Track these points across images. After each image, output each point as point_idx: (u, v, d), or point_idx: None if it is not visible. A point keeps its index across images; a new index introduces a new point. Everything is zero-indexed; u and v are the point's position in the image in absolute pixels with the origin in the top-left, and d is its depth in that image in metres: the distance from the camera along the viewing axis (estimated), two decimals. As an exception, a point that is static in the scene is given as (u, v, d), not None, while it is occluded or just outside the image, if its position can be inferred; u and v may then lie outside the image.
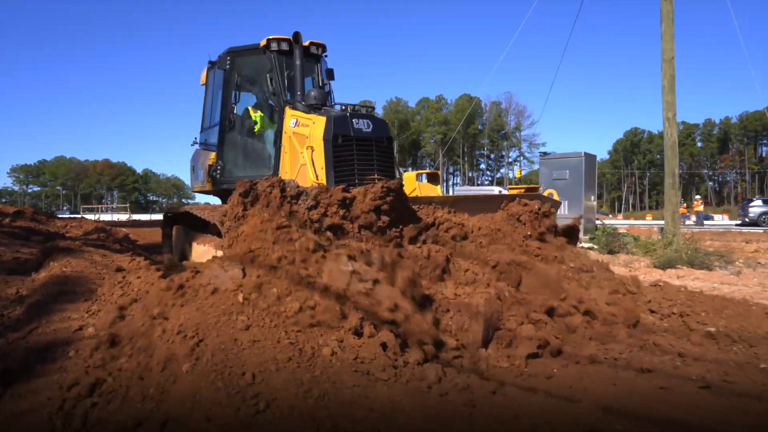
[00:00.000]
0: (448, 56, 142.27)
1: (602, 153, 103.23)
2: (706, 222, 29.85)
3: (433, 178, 7.26)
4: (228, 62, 6.54)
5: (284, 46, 6.25)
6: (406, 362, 2.56)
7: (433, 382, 2.47)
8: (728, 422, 2.28)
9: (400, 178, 6.74)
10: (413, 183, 7.00)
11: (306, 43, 6.51)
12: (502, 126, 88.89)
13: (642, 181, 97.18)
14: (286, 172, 5.86)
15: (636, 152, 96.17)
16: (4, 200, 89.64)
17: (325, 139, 5.49)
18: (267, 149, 6.48)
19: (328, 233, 3.72)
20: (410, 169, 71.08)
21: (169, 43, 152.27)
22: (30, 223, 8.79)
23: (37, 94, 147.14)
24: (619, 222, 31.40)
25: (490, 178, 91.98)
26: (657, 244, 10.17)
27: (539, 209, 4.88)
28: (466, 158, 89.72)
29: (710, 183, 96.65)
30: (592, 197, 12.26)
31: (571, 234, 5.41)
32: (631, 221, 37.72)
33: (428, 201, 4.64)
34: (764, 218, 25.94)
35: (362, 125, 5.78)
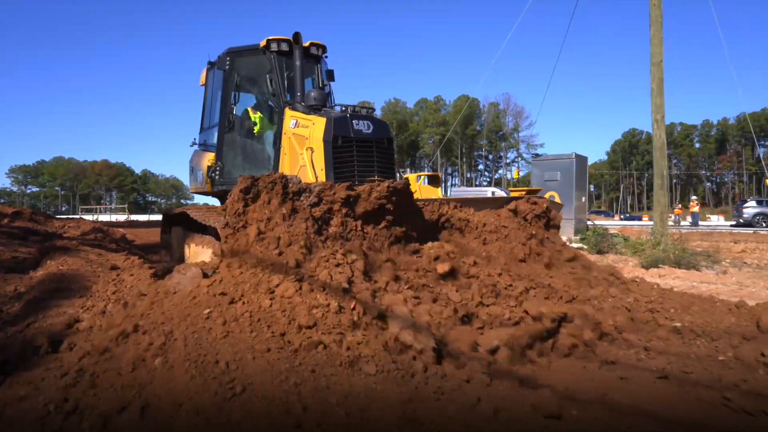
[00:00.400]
0: (447, 57, 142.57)
1: (600, 154, 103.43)
2: (700, 223, 30.04)
3: (433, 180, 7.23)
4: (227, 63, 6.49)
5: (284, 47, 6.21)
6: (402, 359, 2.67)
7: (417, 372, 2.61)
8: (680, 408, 2.45)
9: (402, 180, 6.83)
10: (414, 185, 6.87)
11: (306, 44, 6.47)
12: (500, 127, 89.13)
13: (640, 182, 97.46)
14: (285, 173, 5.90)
15: (634, 153, 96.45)
16: (2, 201, 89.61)
17: (324, 140, 5.45)
18: (266, 150, 6.45)
19: (330, 230, 3.71)
20: (408, 170, 71.24)
21: (169, 43, 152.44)
22: (28, 223, 8.94)
23: (36, 95, 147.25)
24: (612, 223, 31.57)
25: (488, 179, 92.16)
26: (645, 244, 10.33)
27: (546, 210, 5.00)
28: (464, 159, 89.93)
29: (708, 184, 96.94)
30: (583, 198, 12.43)
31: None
32: (621, 221, 37.87)
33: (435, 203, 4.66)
34: (758, 219, 26.15)
35: (362, 126, 5.73)
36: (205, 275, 3.13)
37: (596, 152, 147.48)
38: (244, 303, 2.76)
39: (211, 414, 1.90)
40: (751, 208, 27.00)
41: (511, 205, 5.12)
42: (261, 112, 6.40)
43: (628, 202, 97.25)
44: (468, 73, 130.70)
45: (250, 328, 2.55)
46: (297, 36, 6.26)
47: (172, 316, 2.62)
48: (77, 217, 21.52)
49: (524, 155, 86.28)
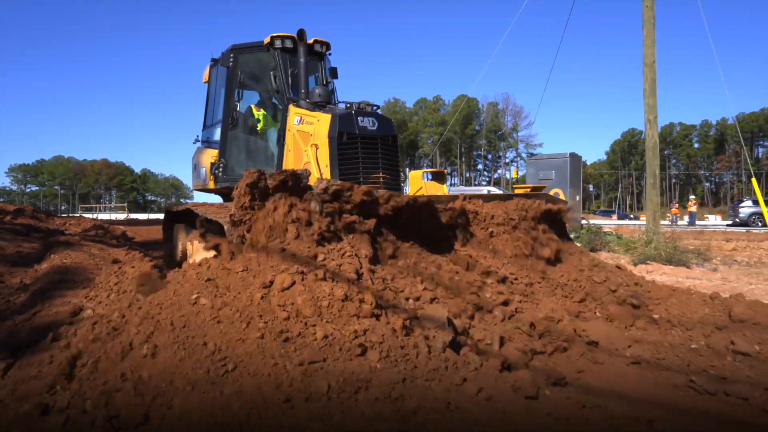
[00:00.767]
0: (446, 57, 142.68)
1: (600, 154, 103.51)
2: (698, 223, 30.22)
3: (439, 177, 7.23)
4: (231, 59, 6.47)
5: (288, 44, 6.18)
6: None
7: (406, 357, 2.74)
8: (647, 389, 2.61)
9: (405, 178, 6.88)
10: (419, 182, 6.99)
11: (310, 41, 6.46)
12: (500, 127, 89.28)
13: (639, 182, 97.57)
14: None
15: (633, 153, 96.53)
16: (2, 200, 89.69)
17: (329, 136, 5.42)
18: (270, 147, 6.43)
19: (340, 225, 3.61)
20: (408, 169, 71.28)
21: (168, 42, 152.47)
22: (30, 220, 9.11)
23: (36, 94, 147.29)
24: (608, 222, 31.74)
25: (487, 179, 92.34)
26: (638, 242, 10.50)
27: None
28: (463, 159, 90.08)
29: (707, 184, 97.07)
30: (577, 196, 12.59)
31: None
32: (617, 220, 38.07)
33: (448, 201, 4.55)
34: (754, 218, 26.32)
35: (367, 123, 5.70)
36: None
37: (595, 152, 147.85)
38: (237, 294, 2.87)
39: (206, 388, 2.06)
40: (747, 208, 27.18)
41: (519, 202, 4.98)
42: (264, 109, 6.40)
43: (627, 202, 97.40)
44: (467, 73, 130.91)
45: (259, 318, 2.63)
46: (301, 33, 6.25)
47: (164, 305, 2.78)
48: (77, 215, 21.69)
49: (523, 155, 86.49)
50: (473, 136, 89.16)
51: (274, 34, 6.20)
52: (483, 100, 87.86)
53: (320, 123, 5.54)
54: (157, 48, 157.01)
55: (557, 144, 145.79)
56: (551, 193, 5.62)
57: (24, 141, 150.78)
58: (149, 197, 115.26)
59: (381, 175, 5.68)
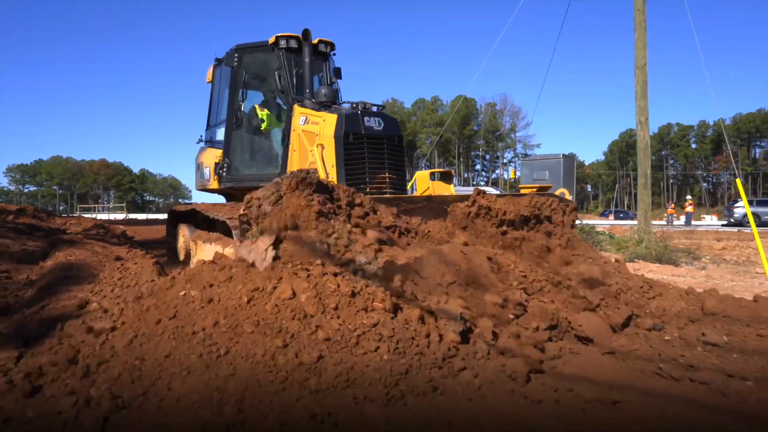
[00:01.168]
0: (445, 58, 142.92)
1: (598, 154, 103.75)
2: (693, 223, 30.46)
3: (446, 177, 7.26)
4: (236, 59, 6.46)
5: (293, 44, 6.18)
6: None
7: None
8: (617, 376, 2.79)
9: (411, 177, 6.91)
10: (426, 182, 7.02)
11: (315, 41, 6.47)
12: (498, 127, 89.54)
13: (637, 182, 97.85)
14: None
15: (631, 153, 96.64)
16: (0, 200, 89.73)
17: (336, 136, 5.40)
18: (274, 147, 6.44)
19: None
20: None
21: (167, 42, 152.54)
22: (32, 220, 9.29)
23: (34, 94, 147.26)
24: (603, 222, 31.98)
25: (485, 179, 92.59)
26: (629, 241, 10.70)
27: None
28: (461, 159, 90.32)
29: (704, 184, 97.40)
30: (570, 196, 12.80)
31: None
32: (613, 220, 38.36)
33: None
34: (748, 219, 26.56)
35: (373, 123, 5.69)
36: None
37: (593, 152, 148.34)
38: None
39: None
40: (741, 209, 27.42)
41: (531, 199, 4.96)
42: (268, 109, 6.41)
43: (625, 203, 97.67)
44: (466, 73, 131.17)
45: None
46: (306, 33, 6.25)
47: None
48: (76, 215, 21.83)
49: (521, 155, 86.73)
50: (471, 136, 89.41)
51: (279, 34, 6.21)
52: (481, 101, 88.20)
53: (326, 123, 5.55)
54: (156, 48, 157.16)
55: (555, 144, 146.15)
56: (557, 192, 5.70)
57: (22, 141, 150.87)
58: (147, 197, 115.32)
59: (387, 175, 5.69)
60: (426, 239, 4.26)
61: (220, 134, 6.79)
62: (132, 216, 39.45)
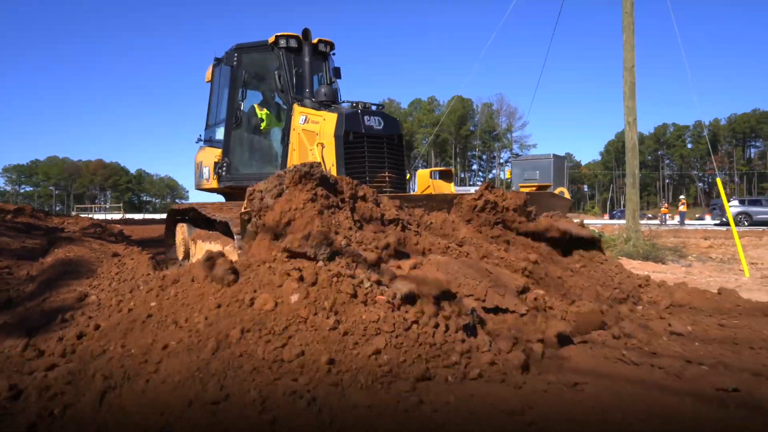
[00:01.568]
0: (441, 58, 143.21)
1: (594, 154, 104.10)
2: (687, 222, 30.76)
3: (446, 176, 7.31)
4: (235, 58, 6.46)
5: (293, 43, 6.19)
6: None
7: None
8: (583, 362, 2.98)
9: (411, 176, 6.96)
10: (427, 180, 7.06)
11: (315, 41, 6.49)
12: (494, 127, 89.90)
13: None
14: None
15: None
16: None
17: (336, 135, 5.42)
18: (274, 147, 6.47)
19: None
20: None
21: (164, 42, 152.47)
22: (30, 219, 9.41)
23: (30, 94, 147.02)
24: (596, 221, 32.27)
25: (482, 179, 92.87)
26: (617, 240, 10.91)
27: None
28: (458, 159, 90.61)
29: (700, 184, 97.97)
30: (569, 195, 13.03)
31: None
32: (606, 219, 38.72)
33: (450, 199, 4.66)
34: (741, 218, 26.87)
35: (373, 122, 5.70)
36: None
37: (590, 153, 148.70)
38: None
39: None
40: (733, 208, 27.72)
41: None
42: (267, 109, 6.43)
43: (621, 203, 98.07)
44: (463, 74, 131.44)
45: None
46: (306, 32, 6.27)
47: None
48: (73, 215, 21.94)
49: (514, 155, 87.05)
50: (468, 136, 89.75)
51: (279, 34, 6.24)
52: (477, 101, 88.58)
53: (326, 122, 5.57)
54: (153, 48, 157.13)
55: (552, 145, 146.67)
56: (556, 191, 5.86)
57: (18, 141, 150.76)
58: (144, 198, 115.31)
59: (387, 174, 5.72)
60: (428, 230, 4.30)
61: (220, 133, 6.82)
62: (129, 216, 39.52)
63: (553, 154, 12.50)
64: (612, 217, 56.51)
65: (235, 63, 6.47)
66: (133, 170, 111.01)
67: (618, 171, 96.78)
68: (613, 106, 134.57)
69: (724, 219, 27.76)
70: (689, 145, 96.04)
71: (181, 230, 6.66)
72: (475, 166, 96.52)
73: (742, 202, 28.76)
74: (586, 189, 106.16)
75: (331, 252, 2.97)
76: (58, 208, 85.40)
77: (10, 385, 2.40)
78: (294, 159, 5.84)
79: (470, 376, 2.54)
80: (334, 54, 6.98)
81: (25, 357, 2.71)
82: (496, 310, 3.28)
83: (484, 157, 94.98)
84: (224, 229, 4.84)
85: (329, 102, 6.01)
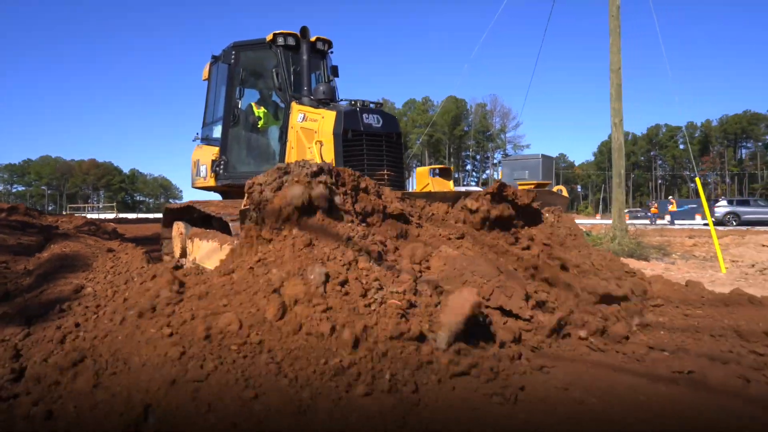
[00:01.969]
0: (436, 58, 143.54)
1: (588, 155, 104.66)
2: (677, 222, 31.13)
3: (445, 173, 7.27)
4: (233, 56, 6.45)
5: (291, 41, 6.18)
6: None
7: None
8: (552, 348, 3.16)
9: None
10: (426, 178, 7.04)
11: (312, 39, 6.47)
12: (488, 128, 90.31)
13: (626, 183, 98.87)
14: None
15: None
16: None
17: (335, 133, 5.42)
18: (272, 145, 6.45)
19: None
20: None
21: (158, 40, 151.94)
22: (24, 217, 9.53)
23: (23, 93, 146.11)
24: (587, 221, 32.56)
25: (476, 179, 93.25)
26: (603, 238, 11.13)
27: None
28: (452, 159, 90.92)
29: (692, 184, 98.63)
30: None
31: None
32: (598, 219, 39.05)
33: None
34: (729, 217, 27.26)
35: (372, 120, 5.70)
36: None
37: (584, 153, 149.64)
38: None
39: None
40: (722, 208, 28.14)
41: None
42: (265, 107, 6.44)
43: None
44: (457, 74, 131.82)
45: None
46: (304, 30, 6.24)
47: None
48: (66, 214, 21.98)
49: (504, 155, 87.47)
50: (462, 136, 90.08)
51: (277, 32, 6.24)
52: (471, 102, 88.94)
53: (325, 120, 5.58)
54: (146, 47, 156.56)
55: (545, 145, 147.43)
56: (554, 190, 5.97)
57: (10, 141, 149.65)
58: (138, 198, 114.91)
59: (385, 172, 5.71)
60: (430, 222, 4.33)
61: (217, 132, 6.83)
62: (122, 216, 39.51)
63: (542, 155, 12.71)
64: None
65: (232, 61, 6.47)
66: (126, 170, 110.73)
67: (611, 172, 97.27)
68: (606, 107, 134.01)
69: (713, 219, 28.17)
70: (681, 146, 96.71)
71: (178, 228, 6.57)
72: (468, 167, 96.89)
73: (730, 203, 29.17)
74: (579, 189, 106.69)
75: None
76: (50, 208, 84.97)
77: (12, 368, 2.57)
78: (292, 157, 5.83)
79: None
80: (332, 53, 7.00)
81: (25, 343, 2.87)
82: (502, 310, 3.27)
83: (478, 157, 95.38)
84: (222, 227, 4.82)
85: (328, 100, 6.03)
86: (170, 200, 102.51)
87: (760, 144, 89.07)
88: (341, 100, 6.27)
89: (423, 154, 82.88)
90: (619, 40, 11.46)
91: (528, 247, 4.40)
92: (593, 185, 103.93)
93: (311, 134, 5.66)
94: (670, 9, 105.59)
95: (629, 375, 2.65)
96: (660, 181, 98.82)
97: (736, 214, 27.20)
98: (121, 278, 3.58)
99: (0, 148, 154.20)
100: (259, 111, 6.35)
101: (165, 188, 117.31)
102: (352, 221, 3.39)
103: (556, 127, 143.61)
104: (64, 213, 37.19)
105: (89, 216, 33.82)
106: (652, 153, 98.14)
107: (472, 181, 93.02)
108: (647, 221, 31.34)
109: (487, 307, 3.19)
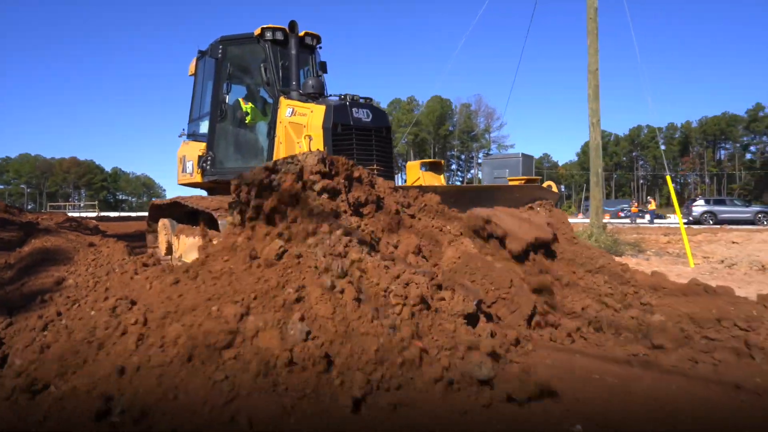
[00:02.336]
0: (420, 58, 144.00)
1: (571, 155, 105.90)
2: (656, 221, 31.77)
3: (435, 167, 7.24)
4: (220, 51, 6.39)
5: (279, 36, 6.13)
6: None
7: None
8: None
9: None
10: (417, 172, 7.02)
11: (301, 34, 6.43)
12: (472, 128, 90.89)
13: (609, 183, 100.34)
14: None
15: (603, 154, 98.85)
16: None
17: (324, 127, 5.39)
18: (260, 140, 6.39)
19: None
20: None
21: (140, 36, 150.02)
22: (3, 215, 9.47)
23: (0, 90, 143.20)
24: (575, 220, 33.06)
25: (461, 179, 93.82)
26: (581, 236, 11.39)
27: None
28: (437, 159, 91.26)
29: (673, 184, 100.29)
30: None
31: None
32: (580, 218, 39.68)
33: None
34: (706, 216, 27.86)
35: (362, 114, 5.69)
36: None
37: (567, 153, 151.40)
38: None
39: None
40: (699, 207, 28.74)
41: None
42: (252, 102, 6.40)
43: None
44: (444, 74, 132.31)
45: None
46: (293, 25, 6.22)
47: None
48: (46, 212, 21.69)
49: (485, 155, 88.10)
50: (447, 136, 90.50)
51: (265, 26, 6.19)
52: (456, 101, 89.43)
53: (314, 114, 5.55)
54: (128, 43, 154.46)
55: (530, 145, 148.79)
56: (544, 185, 6.08)
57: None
58: (120, 196, 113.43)
59: (375, 166, 5.69)
60: (423, 212, 4.35)
61: (204, 127, 6.78)
62: (104, 214, 39.05)
63: (522, 153, 12.95)
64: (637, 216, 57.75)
65: (219, 55, 6.42)
66: (108, 168, 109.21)
67: (601, 172, 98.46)
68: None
69: (690, 218, 28.76)
70: (662, 147, 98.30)
71: (164, 225, 6.59)
72: (453, 166, 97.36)
73: (707, 202, 29.81)
74: (563, 189, 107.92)
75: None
76: (30, 207, 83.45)
77: (-5, 354, 2.65)
78: (280, 152, 5.79)
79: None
80: (320, 48, 6.99)
81: (7, 332, 2.95)
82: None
83: (463, 157, 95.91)
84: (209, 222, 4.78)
85: (317, 94, 6.01)
86: (153, 198, 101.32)
87: (738, 145, 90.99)
88: (330, 95, 6.25)
89: (408, 153, 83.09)
90: (597, 42, 11.73)
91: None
92: (576, 185, 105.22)
93: (300, 129, 5.64)
94: (651, 11, 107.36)
95: (587, 357, 2.82)
96: (642, 181, 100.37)
97: (712, 213, 27.80)
98: (103, 270, 3.66)
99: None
100: (247, 106, 6.33)
101: (148, 187, 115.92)
102: (345, 211, 3.37)
103: (541, 127, 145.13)
104: (43, 211, 36.67)
105: (70, 214, 33.38)
106: (634, 153, 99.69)
107: (457, 180, 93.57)
108: (627, 220, 31.93)
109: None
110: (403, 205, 4.16)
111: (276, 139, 5.91)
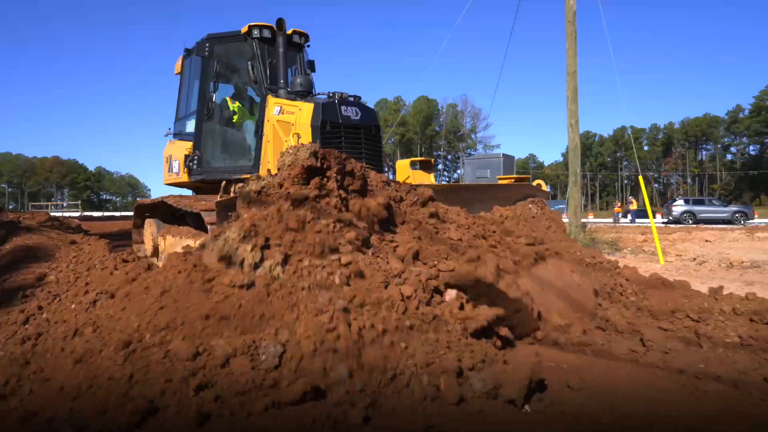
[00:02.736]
0: (407, 58, 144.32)
1: (557, 155, 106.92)
2: (637, 220, 32.33)
3: (426, 166, 7.27)
4: (207, 49, 6.30)
5: (266, 34, 6.08)
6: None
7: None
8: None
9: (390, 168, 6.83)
10: (407, 171, 7.02)
11: (289, 32, 6.39)
12: (459, 128, 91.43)
13: (593, 183, 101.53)
14: (268, 161, 5.61)
15: (587, 155, 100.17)
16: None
17: (312, 125, 5.34)
18: (247, 139, 6.33)
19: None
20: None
21: (123, 34, 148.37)
22: (-16, 214, 9.42)
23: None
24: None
25: (447, 179, 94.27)
26: (560, 234, 11.66)
27: None
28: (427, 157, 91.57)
29: (656, 185, 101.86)
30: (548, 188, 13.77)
31: None
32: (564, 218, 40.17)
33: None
34: (685, 216, 28.44)
35: (351, 112, 5.66)
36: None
37: (552, 154, 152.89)
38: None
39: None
40: (679, 207, 29.33)
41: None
42: (239, 101, 6.36)
43: (582, 203, 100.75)
44: (431, 75, 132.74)
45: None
46: (280, 22, 6.19)
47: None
48: (28, 212, 21.46)
49: (467, 155, 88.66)
50: (433, 136, 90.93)
51: (252, 23, 6.14)
52: (443, 102, 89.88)
53: (302, 112, 5.51)
54: (111, 41, 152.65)
55: (515, 146, 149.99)
56: (534, 183, 6.20)
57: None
58: (104, 196, 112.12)
59: (364, 165, 5.84)
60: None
61: (190, 126, 6.71)
62: (87, 214, 38.67)
63: (503, 154, 13.23)
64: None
65: (206, 53, 6.33)
66: (92, 168, 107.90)
67: (580, 171, 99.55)
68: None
69: (670, 217, 29.34)
70: (646, 148, 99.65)
71: (150, 226, 6.58)
72: (440, 166, 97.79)
73: (687, 202, 30.44)
74: (549, 189, 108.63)
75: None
76: (11, 207, 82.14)
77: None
78: (268, 151, 5.76)
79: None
80: (308, 46, 6.95)
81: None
82: None
83: (449, 157, 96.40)
84: (197, 224, 4.82)
85: (305, 92, 5.96)
86: (137, 198, 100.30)
87: (719, 146, 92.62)
88: (318, 94, 6.21)
89: (395, 153, 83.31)
90: (575, 45, 12.01)
91: None
92: (562, 185, 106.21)
93: (288, 127, 5.59)
94: (636, 12, 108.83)
95: (544, 347, 2.99)
96: (626, 182, 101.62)
97: (692, 213, 28.38)
98: (84, 266, 3.75)
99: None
100: (234, 105, 6.30)
101: (133, 186, 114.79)
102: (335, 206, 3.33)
103: (526, 128, 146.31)
104: (24, 211, 36.25)
105: (53, 214, 32.96)
106: (618, 154, 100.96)
107: (443, 180, 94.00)
108: (610, 220, 32.45)
109: None
110: (395, 198, 4.10)
111: (264, 137, 5.86)
